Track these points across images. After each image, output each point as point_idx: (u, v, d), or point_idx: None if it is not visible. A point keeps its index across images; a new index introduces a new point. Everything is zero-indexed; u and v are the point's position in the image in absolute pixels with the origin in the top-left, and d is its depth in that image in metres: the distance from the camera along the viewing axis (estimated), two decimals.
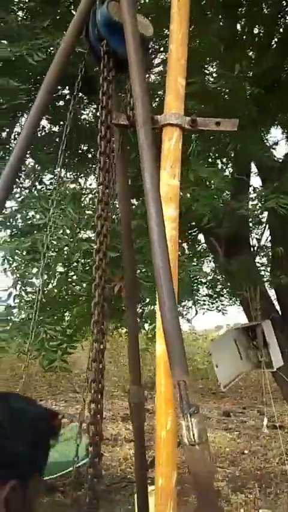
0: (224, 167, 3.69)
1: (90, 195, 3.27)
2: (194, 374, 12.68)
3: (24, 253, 2.53)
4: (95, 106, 3.69)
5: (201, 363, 13.48)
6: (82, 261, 2.44)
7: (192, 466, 1.08)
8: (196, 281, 4.89)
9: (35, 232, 2.48)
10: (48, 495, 4.80)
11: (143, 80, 1.38)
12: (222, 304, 5.94)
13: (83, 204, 2.88)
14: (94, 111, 3.84)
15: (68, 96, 3.96)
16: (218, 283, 5.30)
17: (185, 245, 5.60)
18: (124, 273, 1.68)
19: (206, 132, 2.31)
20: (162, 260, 1.21)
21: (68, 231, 2.42)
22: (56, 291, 2.79)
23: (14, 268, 2.68)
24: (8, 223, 2.91)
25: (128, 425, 8.14)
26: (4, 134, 4.24)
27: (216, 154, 3.50)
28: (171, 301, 1.18)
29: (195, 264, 3.75)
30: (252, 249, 4.84)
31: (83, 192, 3.33)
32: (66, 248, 2.47)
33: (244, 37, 4.15)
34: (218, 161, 3.81)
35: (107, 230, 1.50)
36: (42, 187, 3.58)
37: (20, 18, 3.09)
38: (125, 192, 1.76)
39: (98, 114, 1.64)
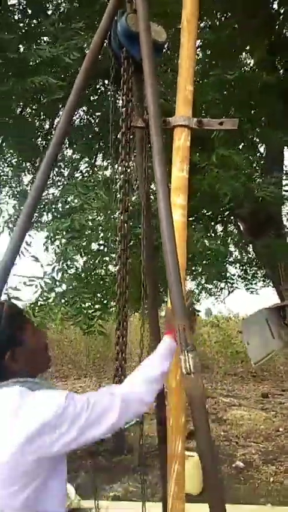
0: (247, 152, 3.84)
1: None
2: (234, 357, 12.85)
3: (64, 233, 2.89)
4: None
5: (241, 347, 13.61)
6: (114, 238, 2.76)
7: (188, 390, 1.38)
8: (227, 262, 5.08)
9: (72, 214, 2.82)
10: (91, 458, 5.26)
11: (155, 85, 1.65)
12: (254, 287, 6.09)
13: (114, 189, 3.18)
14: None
15: (102, 89, 4.27)
16: (248, 264, 5.47)
17: (219, 226, 5.80)
18: (144, 249, 1.97)
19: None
20: (167, 228, 1.48)
21: (100, 213, 2.76)
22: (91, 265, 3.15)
23: (56, 246, 3.06)
24: (50, 207, 3.29)
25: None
26: (46, 126, 4.64)
27: (239, 139, 3.67)
28: (175, 265, 1.46)
29: (218, 243, 3.94)
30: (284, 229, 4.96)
31: (115, 177, 3.64)
32: (99, 227, 2.80)
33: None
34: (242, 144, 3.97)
35: (128, 213, 1.80)
36: (80, 174, 3.93)
37: (56, 22, 3.41)
38: (145, 179, 2.05)
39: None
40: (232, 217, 4.78)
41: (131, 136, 1.88)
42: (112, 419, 1.22)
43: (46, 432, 1.08)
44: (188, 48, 1.90)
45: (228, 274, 5.62)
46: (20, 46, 3.16)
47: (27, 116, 4.44)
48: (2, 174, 4.75)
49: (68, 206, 3.17)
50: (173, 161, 1.86)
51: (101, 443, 5.32)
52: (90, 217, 2.73)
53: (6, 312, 1.26)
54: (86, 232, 2.83)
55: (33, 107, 4.14)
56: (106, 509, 3.69)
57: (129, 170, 1.85)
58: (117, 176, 1.88)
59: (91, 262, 3.10)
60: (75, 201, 2.99)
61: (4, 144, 4.17)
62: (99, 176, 3.20)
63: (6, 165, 4.93)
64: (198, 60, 4.14)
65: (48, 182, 4.52)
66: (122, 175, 1.84)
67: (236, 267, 5.57)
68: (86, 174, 3.74)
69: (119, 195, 1.79)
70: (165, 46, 1.99)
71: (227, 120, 1.86)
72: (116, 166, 1.91)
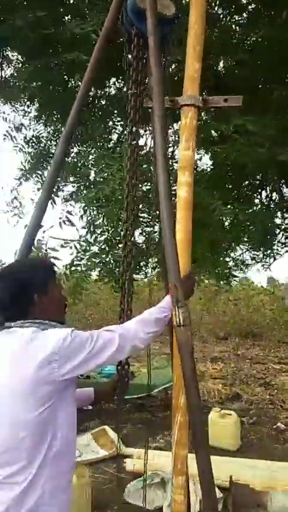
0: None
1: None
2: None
3: (94, 201, 3.10)
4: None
5: None
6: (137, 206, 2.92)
7: (178, 341, 1.55)
8: (271, 228, 5.02)
9: (100, 185, 3.01)
10: (139, 412, 5.66)
11: (159, 63, 1.72)
12: None
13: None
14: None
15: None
16: None
17: (264, 193, 5.70)
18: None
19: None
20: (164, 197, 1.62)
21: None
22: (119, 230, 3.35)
23: (89, 213, 3.29)
24: (81, 179, 3.50)
25: (215, 366, 8.77)
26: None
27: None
28: (170, 228, 1.60)
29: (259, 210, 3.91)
30: None
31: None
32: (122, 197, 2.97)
33: None
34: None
35: (136, 181, 1.94)
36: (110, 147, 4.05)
37: None
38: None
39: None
40: (266, 185, 4.70)
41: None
42: (111, 352, 1.44)
43: (54, 360, 1.31)
44: (195, 24, 1.90)
45: (273, 242, 5.57)
46: (54, 23, 3.28)
47: (71, 86, 4.59)
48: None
49: (96, 177, 3.35)
50: (180, 139, 1.91)
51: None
52: (115, 187, 2.88)
53: (43, 262, 1.60)
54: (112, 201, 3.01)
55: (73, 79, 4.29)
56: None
57: (138, 150, 1.95)
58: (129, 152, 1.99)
59: (119, 229, 3.30)
60: (105, 171, 3.16)
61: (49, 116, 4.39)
62: (121, 150, 3.31)
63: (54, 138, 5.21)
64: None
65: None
66: (133, 153, 1.96)
67: (281, 234, 5.47)
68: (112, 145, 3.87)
69: (127, 166, 1.92)
70: (176, 21, 2.00)
71: (231, 97, 1.89)
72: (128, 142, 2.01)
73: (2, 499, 1.30)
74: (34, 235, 2.05)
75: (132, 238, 1.98)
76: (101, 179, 3.24)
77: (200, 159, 4.94)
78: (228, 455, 4.23)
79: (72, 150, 4.56)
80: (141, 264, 3.75)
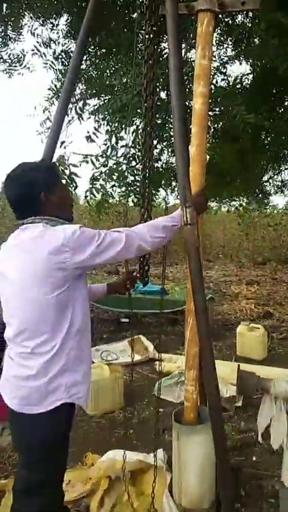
0: None
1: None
2: None
3: (116, 112, 3.06)
4: None
5: None
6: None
7: (185, 238, 1.66)
8: None
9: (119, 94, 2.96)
10: (172, 326, 6.02)
11: None
12: None
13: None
14: None
15: None
16: None
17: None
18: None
19: None
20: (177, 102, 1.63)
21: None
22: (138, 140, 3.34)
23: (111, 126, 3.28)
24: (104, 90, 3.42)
25: (250, 288, 8.93)
26: None
27: None
28: (181, 133, 1.63)
29: None
30: None
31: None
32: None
33: None
34: None
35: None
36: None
37: None
38: None
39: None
40: None
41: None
42: (118, 249, 1.58)
43: (63, 251, 1.48)
44: None
45: None
46: None
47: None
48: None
49: (117, 85, 3.28)
50: (196, 48, 1.84)
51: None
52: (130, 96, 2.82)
53: (47, 164, 1.77)
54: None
55: None
56: (176, 360, 4.41)
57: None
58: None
59: (137, 140, 3.28)
60: (124, 80, 3.09)
61: None
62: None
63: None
64: None
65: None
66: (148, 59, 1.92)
67: None
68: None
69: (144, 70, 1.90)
70: None
71: (249, 0, 1.77)
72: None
73: (33, 365, 1.55)
74: (53, 150, 2.13)
75: (150, 149, 2.01)
76: (122, 86, 3.19)
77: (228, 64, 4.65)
78: (254, 364, 4.51)
79: (95, 61, 4.43)
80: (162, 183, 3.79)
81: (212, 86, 3.75)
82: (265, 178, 7.20)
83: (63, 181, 1.82)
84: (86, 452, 2.81)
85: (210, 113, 3.84)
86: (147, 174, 2.02)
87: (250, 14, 3.69)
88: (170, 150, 3.93)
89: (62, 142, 3.55)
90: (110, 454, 2.60)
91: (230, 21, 4.57)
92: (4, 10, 5.04)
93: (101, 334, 5.65)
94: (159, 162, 4.08)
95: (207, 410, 1.91)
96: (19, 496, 1.66)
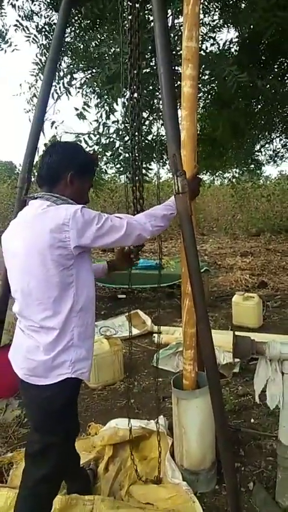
0: None
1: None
2: None
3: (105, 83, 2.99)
4: None
5: None
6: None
7: (178, 207, 1.67)
8: None
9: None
10: (168, 299, 6.09)
11: None
12: None
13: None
14: None
15: None
16: None
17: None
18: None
19: None
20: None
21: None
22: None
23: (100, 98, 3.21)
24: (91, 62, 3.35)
25: (244, 259, 9.00)
26: None
27: None
28: (169, 96, 1.61)
29: None
30: None
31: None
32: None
33: None
34: None
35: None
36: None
37: None
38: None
39: None
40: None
41: None
42: (118, 235, 1.60)
43: (64, 230, 1.49)
44: None
45: None
46: None
47: None
48: None
49: (104, 55, 3.21)
50: (182, 30, 1.79)
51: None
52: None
53: (91, 155, 1.78)
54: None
55: None
56: (174, 332, 4.49)
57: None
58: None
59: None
60: (112, 50, 3.02)
61: None
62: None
63: None
64: None
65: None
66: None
67: None
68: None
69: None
70: None
71: None
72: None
73: (40, 340, 1.59)
74: (40, 125, 2.11)
75: (138, 118, 1.99)
76: (110, 57, 3.11)
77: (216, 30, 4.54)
78: (250, 332, 4.60)
79: (79, 33, 4.31)
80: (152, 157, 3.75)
81: (202, 52, 3.68)
82: (257, 147, 7.14)
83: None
84: (89, 423, 2.90)
85: (201, 77, 3.78)
86: (135, 145, 2.01)
87: None
88: (160, 121, 3.89)
89: (53, 123, 3.51)
90: (112, 422, 2.68)
91: None
92: None
93: (99, 310, 5.71)
94: (150, 135, 4.05)
95: (205, 376, 1.96)
96: (33, 459, 1.74)
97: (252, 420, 2.96)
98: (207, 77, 3.88)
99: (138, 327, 4.95)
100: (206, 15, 4.75)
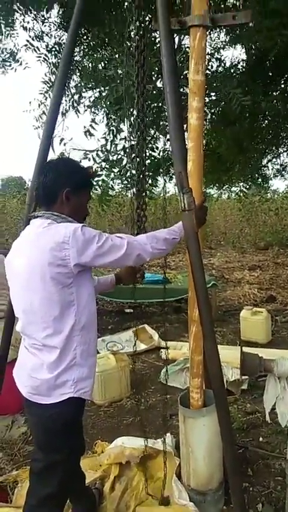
0: None
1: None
2: None
3: (113, 104, 3.07)
4: None
5: None
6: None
7: (183, 223, 1.67)
8: None
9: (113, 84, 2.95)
10: (176, 314, 6.06)
11: None
12: None
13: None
14: None
15: None
16: None
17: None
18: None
19: None
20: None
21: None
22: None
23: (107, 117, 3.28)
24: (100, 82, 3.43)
25: (253, 273, 8.95)
26: None
27: None
28: (175, 115, 1.63)
29: None
30: None
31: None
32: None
33: None
34: None
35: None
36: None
37: None
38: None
39: None
40: None
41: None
42: (118, 254, 1.60)
43: (64, 248, 1.49)
44: None
45: None
46: None
47: None
48: None
49: (112, 75, 3.28)
50: (189, 63, 1.82)
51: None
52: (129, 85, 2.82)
53: (86, 169, 1.79)
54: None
55: None
56: (181, 348, 4.45)
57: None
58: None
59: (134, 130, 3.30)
60: (119, 71, 3.09)
61: None
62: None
63: None
64: None
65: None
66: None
67: None
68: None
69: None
70: None
71: (240, 13, 1.75)
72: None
73: (43, 359, 1.59)
74: (49, 142, 2.14)
75: (143, 135, 2.01)
76: (118, 78, 3.18)
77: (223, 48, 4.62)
78: (258, 347, 4.55)
79: (90, 53, 4.41)
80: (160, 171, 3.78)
81: (208, 72, 3.74)
82: (264, 162, 7.17)
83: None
84: (95, 441, 2.86)
85: (206, 99, 3.84)
86: (142, 162, 2.03)
87: None
88: (166, 138, 3.93)
89: (61, 140, 3.58)
90: (118, 441, 2.64)
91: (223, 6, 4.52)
92: None
93: (105, 325, 5.70)
94: (155, 150, 4.09)
95: (212, 393, 1.94)
96: (37, 478, 1.73)
97: (260, 439, 2.91)
98: (212, 98, 3.95)
99: (145, 342, 4.92)
100: (212, 32, 4.84)
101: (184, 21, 1.83)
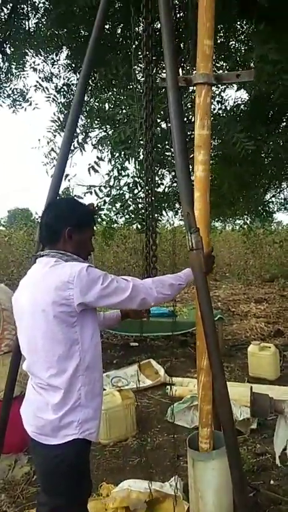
0: None
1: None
2: None
3: (119, 143, 3.18)
4: None
5: None
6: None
7: (191, 262, 1.69)
8: None
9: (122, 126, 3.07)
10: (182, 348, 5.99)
11: (171, 41, 1.71)
12: None
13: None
14: None
15: None
16: None
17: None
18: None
19: None
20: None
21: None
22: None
23: (115, 157, 3.39)
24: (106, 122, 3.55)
25: (259, 306, 8.88)
26: None
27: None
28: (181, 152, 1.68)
29: None
30: None
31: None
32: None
33: None
34: None
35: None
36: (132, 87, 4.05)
37: None
38: None
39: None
40: None
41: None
42: (123, 298, 1.60)
43: (68, 287, 1.50)
44: (205, 2, 1.83)
45: None
46: None
47: None
48: None
49: (119, 117, 3.41)
50: (195, 119, 1.91)
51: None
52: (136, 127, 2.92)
53: (86, 206, 1.83)
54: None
55: None
56: (188, 384, 4.37)
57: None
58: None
59: (138, 168, 3.39)
60: (124, 111, 3.21)
61: None
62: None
63: None
64: None
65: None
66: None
67: None
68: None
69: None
70: None
71: (243, 72, 1.86)
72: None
73: (48, 399, 1.58)
74: (59, 183, 2.21)
75: (151, 177, 2.07)
76: (125, 119, 3.30)
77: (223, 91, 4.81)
78: (267, 384, 4.45)
79: (96, 94, 4.59)
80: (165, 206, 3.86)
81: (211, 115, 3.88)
82: (267, 197, 7.27)
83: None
84: (100, 483, 2.77)
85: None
86: (151, 201, 2.08)
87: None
88: (172, 174, 4.02)
89: (66, 175, 3.67)
90: (124, 483, 2.56)
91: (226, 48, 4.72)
92: (8, 50, 5.28)
93: (110, 359, 5.62)
94: (161, 186, 4.19)
95: (221, 435, 1.89)
96: None
97: (271, 482, 2.80)
98: (215, 144, 4.08)
99: (151, 378, 4.84)
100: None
101: (190, 79, 1.90)
